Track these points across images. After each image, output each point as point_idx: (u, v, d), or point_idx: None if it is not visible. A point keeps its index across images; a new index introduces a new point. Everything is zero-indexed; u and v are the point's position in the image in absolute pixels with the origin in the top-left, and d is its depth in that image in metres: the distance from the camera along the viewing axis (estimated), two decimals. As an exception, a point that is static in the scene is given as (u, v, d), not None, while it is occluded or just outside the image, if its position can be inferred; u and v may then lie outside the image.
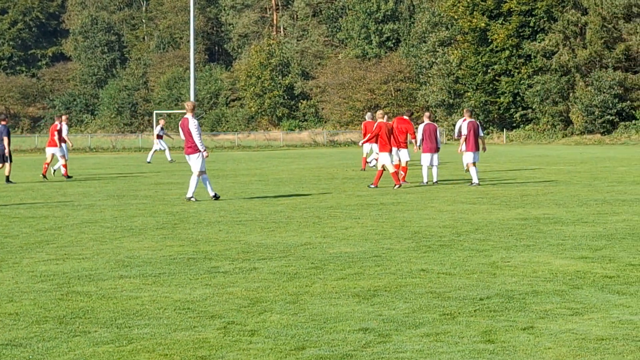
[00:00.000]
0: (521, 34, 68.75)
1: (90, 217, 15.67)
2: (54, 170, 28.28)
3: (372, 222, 14.26)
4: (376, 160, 24.86)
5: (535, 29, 68.58)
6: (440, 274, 9.34)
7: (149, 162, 38.90)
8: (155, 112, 78.54)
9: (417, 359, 6.15)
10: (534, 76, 67.40)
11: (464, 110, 23.05)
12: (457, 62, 71.04)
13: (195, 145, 18.26)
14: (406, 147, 23.60)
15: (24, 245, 12.06)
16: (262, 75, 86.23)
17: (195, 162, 18.34)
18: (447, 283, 8.85)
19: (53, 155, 27.56)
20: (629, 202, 17.05)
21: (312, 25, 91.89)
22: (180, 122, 18.69)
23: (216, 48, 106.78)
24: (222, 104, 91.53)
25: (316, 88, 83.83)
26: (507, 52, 68.63)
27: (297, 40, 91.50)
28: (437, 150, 22.96)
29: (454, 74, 71.55)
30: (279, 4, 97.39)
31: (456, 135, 27.04)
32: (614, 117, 63.75)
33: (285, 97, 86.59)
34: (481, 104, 68.99)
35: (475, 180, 22.09)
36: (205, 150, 18.36)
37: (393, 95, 77.82)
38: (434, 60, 73.59)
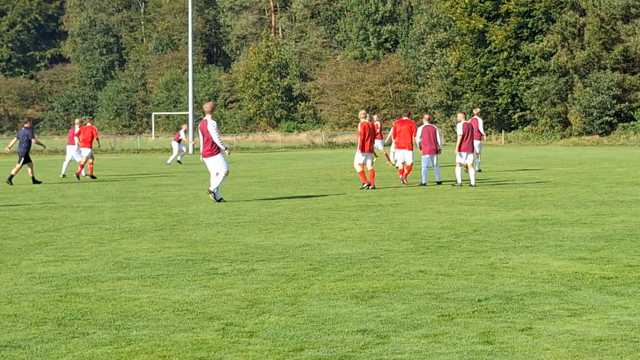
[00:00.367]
0: (519, 35, 68.81)
1: (89, 219, 15.67)
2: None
3: (371, 224, 14.27)
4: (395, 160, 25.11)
5: (534, 30, 68.65)
6: (439, 275, 9.35)
7: (179, 162, 39.19)
8: (153, 113, 78.65)
9: (416, 360, 6.16)
10: (533, 77, 67.47)
11: (458, 113, 23.19)
12: (455, 64, 71.09)
13: (214, 148, 18.43)
14: (412, 148, 23.82)
15: (23, 247, 12.06)
16: (260, 77, 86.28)
17: (216, 163, 18.43)
18: (446, 284, 8.86)
19: (86, 155, 28.80)
20: (628, 203, 17.07)
21: (310, 26, 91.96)
22: (199, 124, 18.80)
23: (214, 50, 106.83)
24: (220, 105, 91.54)
25: (314, 89, 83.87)
26: (506, 53, 68.70)
27: (296, 42, 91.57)
28: (437, 151, 23.11)
29: (452, 75, 71.61)
30: (277, 6, 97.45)
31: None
32: (612, 118, 63.80)
33: (284, 99, 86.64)
34: (479, 105, 69.01)
35: (459, 181, 22.30)
36: (227, 149, 18.59)
37: (391, 96, 77.87)
38: (432, 62, 73.65)
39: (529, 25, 68.53)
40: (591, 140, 63.26)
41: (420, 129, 23.44)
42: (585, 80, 65.00)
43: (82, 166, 28.40)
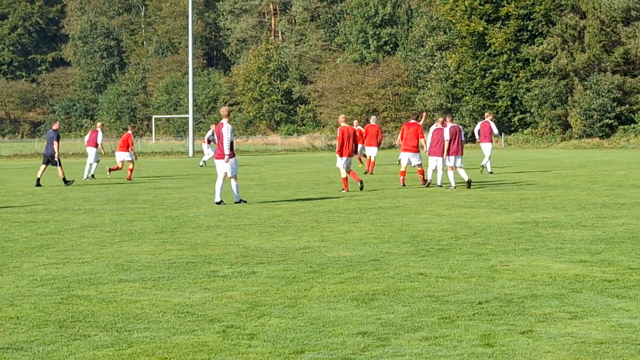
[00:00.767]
0: (519, 37, 68.79)
1: (90, 222, 15.68)
2: (95, 171, 29.99)
3: (371, 226, 14.27)
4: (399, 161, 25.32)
5: (534, 32, 68.63)
6: (439, 278, 9.36)
7: (201, 166, 39.24)
8: (154, 116, 78.64)
9: (416, 362, 6.17)
10: (533, 80, 67.43)
11: (445, 117, 23.35)
12: (455, 66, 71.07)
13: (232, 149, 18.80)
14: (418, 151, 24.07)
15: (25, 250, 12.08)
16: (260, 80, 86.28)
17: (229, 166, 18.67)
18: (446, 287, 8.86)
19: (123, 160, 29.94)
20: (628, 206, 17.07)
21: (310, 29, 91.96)
22: (215, 128, 19.26)
23: (214, 53, 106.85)
24: (220, 108, 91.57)
25: (314, 92, 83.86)
26: (506, 56, 68.67)
27: (295, 45, 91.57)
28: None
29: (452, 78, 71.59)
30: (277, 9, 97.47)
31: (477, 137, 29.88)
32: (612, 121, 63.79)
33: (284, 102, 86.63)
34: (479, 108, 69.00)
35: (453, 184, 22.34)
36: (227, 155, 18.65)
37: (391, 99, 77.85)
38: (432, 65, 73.63)
39: (529, 27, 68.51)
40: (591, 142, 63.23)
41: (430, 131, 23.74)
42: (586, 82, 64.98)
43: (117, 168, 29.64)
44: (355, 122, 34.04)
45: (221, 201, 18.85)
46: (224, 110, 19.28)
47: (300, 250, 11.66)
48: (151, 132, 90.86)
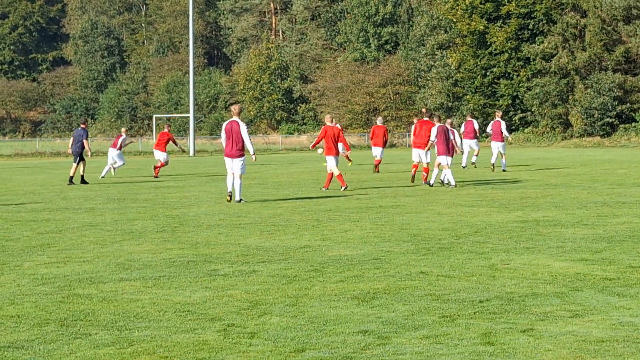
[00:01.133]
0: (520, 36, 68.78)
1: (91, 221, 15.69)
2: (107, 173, 30.40)
3: (372, 225, 14.28)
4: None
5: (535, 31, 68.61)
6: (440, 277, 9.36)
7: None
8: (154, 116, 78.66)
9: (417, 360, 6.17)
10: (533, 79, 67.42)
11: (433, 117, 23.51)
12: (456, 65, 71.06)
13: (243, 149, 18.78)
14: (429, 149, 24.32)
15: (26, 249, 12.08)
16: (261, 79, 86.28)
17: (239, 165, 18.74)
18: (447, 285, 8.86)
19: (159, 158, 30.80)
20: (629, 205, 17.07)
21: (310, 28, 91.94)
22: (225, 125, 19.00)
23: (215, 52, 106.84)
24: (221, 107, 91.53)
25: (315, 91, 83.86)
26: (506, 54, 68.66)
27: (296, 44, 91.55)
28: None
29: (452, 77, 71.58)
30: (278, 8, 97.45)
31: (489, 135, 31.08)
32: (613, 120, 63.78)
33: (284, 101, 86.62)
34: (480, 107, 69.01)
35: (452, 182, 22.35)
36: (254, 153, 19.09)
37: (392, 98, 77.85)
38: (432, 64, 73.61)
39: (530, 26, 68.50)
40: (592, 141, 63.23)
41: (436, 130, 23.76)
42: (586, 81, 64.97)
43: (161, 165, 30.39)
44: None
45: (231, 193, 18.92)
46: (237, 108, 19.31)
47: (301, 249, 11.67)
48: (152, 131, 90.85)
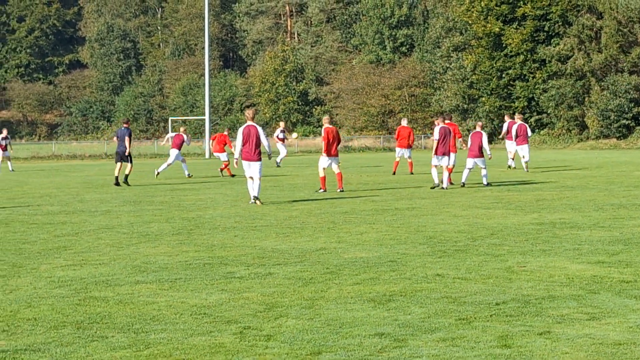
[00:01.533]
0: (536, 38, 68.56)
1: (107, 223, 15.74)
2: (158, 173, 31.08)
3: (387, 227, 14.26)
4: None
5: (550, 33, 68.38)
6: (456, 279, 9.34)
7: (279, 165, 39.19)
8: (170, 118, 78.87)
9: (434, 363, 6.16)
10: (549, 81, 67.19)
11: (437, 117, 23.89)
12: (471, 67, 70.91)
13: (260, 153, 19.11)
14: (455, 151, 24.70)
15: (42, 251, 12.13)
16: (276, 82, 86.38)
17: (257, 169, 19.00)
18: (463, 288, 8.84)
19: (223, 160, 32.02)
20: (646, 207, 16.97)
21: (326, 31, 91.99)
22: (243, 129, 19.23)
23: (231, 54, 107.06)
24: (236, 110, 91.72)
25: (330, 94, 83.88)
26: (522, 56, 68.45)
27: (311, 46, 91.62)
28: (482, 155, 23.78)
29: (468, 79, 71.43)
30: (293, 10, 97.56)
31: (504, 134, 32.46)
32: (629, 122, 63.47)
33: (300, 103, 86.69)
34: (496, 109, 68.83)
35: (436, 181, 22.92)
36: (270, 154, 19.77)
37: (407, 100, 77.78)
38: (448, 66, 73.49)
39: (546, 28, 68.27)
40: (608, 143, 62.94)
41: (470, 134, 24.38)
42: (602, 83, 64.70)
43: (227, 165, 31.74)
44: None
45: (255, 197, 19.08)
46: (252, 112, 19.56)
47: (316, 251, 11.67)
48: (167, 133, 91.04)
